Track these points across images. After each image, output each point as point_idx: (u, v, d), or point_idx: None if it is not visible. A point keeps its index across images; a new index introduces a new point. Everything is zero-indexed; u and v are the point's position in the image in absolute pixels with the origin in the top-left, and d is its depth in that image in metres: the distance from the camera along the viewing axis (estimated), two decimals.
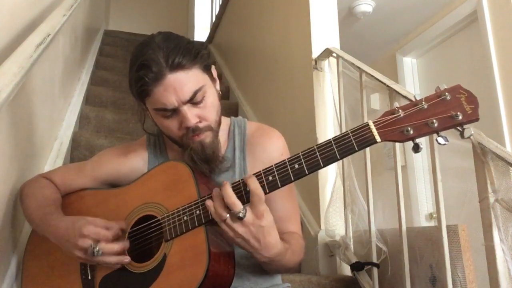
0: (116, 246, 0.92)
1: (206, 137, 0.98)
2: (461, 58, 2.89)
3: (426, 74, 3.28)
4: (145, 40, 0.97)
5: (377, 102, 2.52)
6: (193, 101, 0.94)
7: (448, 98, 0.78)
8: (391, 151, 1.59)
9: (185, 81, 0.92)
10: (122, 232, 0.97)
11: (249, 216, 0.82)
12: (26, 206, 1.10)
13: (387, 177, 1.63)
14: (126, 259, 0.94)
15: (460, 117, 0.76)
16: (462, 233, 1.27)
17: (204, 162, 0.99)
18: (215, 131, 1.01)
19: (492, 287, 1.10)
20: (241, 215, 0.82)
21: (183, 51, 0.92)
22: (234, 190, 0.84)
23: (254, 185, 0.82)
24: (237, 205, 0.82)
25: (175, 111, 0.94)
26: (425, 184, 2.99)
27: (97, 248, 0.90)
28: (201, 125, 0.96)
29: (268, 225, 0.84)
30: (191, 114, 0.94)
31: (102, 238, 0.91)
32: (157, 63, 0.90)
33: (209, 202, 0.85)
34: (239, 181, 0.86)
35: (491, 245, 1.10)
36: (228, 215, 0.83)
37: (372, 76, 1.64)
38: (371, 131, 0.80)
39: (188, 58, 0.92)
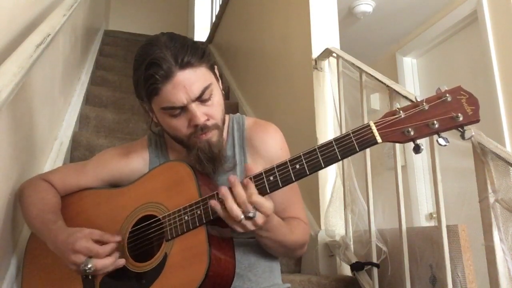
0: (108, 261, 0.93)
1: (213, 135, 0.98)
2: (461, 58, 2.89)
3: (426, 74, 3.28)
4: (150, 40, 0.97)
5: (377, 102, 2.52)
6: (201, 98, 0.94)
7: (449, 99, 0.78)
8: (391, 151, 1.59)
9: (194, 79, 0.93)
10: (119, 240, 0.97)
11: (258, 215, 0.84)
12: (26, 211, 1.10)
13: (387, 177, 1.63)
14: (121, 261, 0.95)
15: (461, 119, 0.77)
16: (462, 233, 1.27)
17: (210, 162, 0.99)
18: (221, 130, 1.01)
19: (492, 287, 1.10)
20: (251, 215, 0.83)
21: (190, 50, 0.93)
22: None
23: (250, 192, 0.84)
24: (248, 206, 0.83)
25: (183, 110, 0.95)
26: (425, 184, 2.99)
27: (88, 266, 0.90)
28: (209, 123, 0.97)
29: (271, 213, 0.87)
30: (200, 112, 0.95)
31: (94, 255, 0.92)
32: (167, 61, 0.91)
33: (213, 203, 0.86)
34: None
35: (491, 245, 1.10)
36: (243, 216, 0.84)
37: (372, 76, 1.64)
38: (372, 132, 0.81)
39: (196, 57, 0.94)
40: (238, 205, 0.84)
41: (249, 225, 0.85)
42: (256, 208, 0.84)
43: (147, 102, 0.98)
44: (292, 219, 1.04)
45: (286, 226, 0.97)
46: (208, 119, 0.96)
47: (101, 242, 0.94)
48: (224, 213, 0.86)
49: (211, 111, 0.97)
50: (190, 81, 0.92)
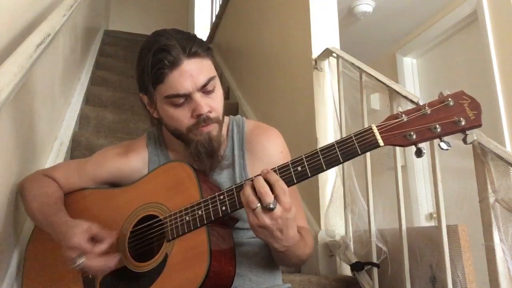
0: (102, 263, 0.91)
1: (214, 129, 0.99)
2: (461, 58, 2.88)
3: (426, 74, 3.28)
4: (157, 32, 1.00)
5: (377, 102, 2.53)
6: (206, 89, 0.96)
7: (451, 103, 0.79)
8: (391, 151, 1.59)
9: (200, 68, 0.95)
10: (115, 237, 0.96)
11: (278, 208, 0.81)
12: (28, 205, 1.10)
13: (387, 177, 1.63)
14: (115, 260, 0.92)
15: (463, 123, 0.77)
16: (462, 233, 1.27)
17: (209, 157, 1.00)
18: (221, 125, 1.03)
19: (492, 287, 1.10)
20: (271, 206, 0.80)
21: (197, 42, 0.97)
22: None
23: (274, 178, 0.82)
24: (270, 195, 0.81)
25: (187, 99, 0.96)
26: (425, 184, 2.99)
27: (77, 263, 0.89)
28: (211, 115, 0.98)
29: (292, 217, 0.84)
30: (204, 102, 0.96)
31: (86, 254, 0.90)
32: (176, 48, 0.93)
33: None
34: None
35: (491, 245, 1.10)
36: (259, 204, 0.81)
37: (372, 76, 1.64)
38: (374, 135, 0.81)
39: (202, 48, 0.96)
40: (260, 196, 0.81)
41: (266, 218, 0.81)
42: (277, 196, 0.81)
43: (151, 90, 0.97)
44: (302, 229, 1.00)
45: (303, 240, 0.96)
46: (210, 111, 0.98)
47: (98, 238, 0.93)
48: (243, 198, 0.83)
49: (214, 104, 0.99)
50: (197, 70, 0.95)
